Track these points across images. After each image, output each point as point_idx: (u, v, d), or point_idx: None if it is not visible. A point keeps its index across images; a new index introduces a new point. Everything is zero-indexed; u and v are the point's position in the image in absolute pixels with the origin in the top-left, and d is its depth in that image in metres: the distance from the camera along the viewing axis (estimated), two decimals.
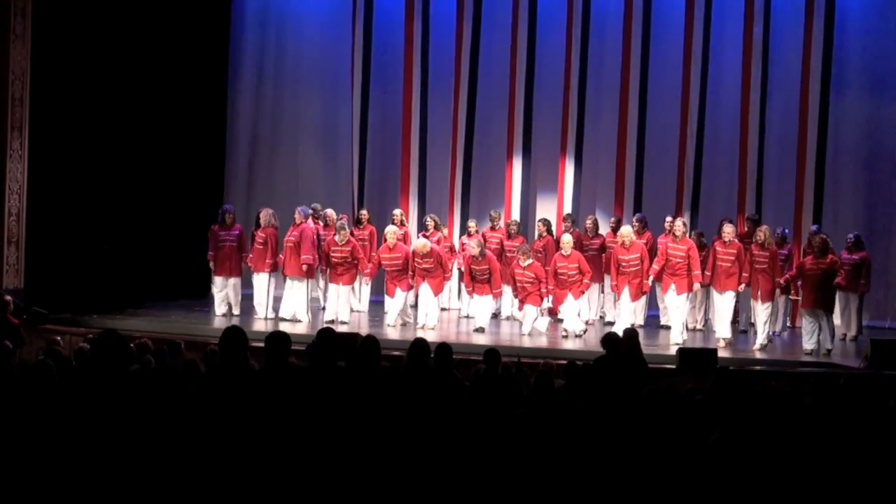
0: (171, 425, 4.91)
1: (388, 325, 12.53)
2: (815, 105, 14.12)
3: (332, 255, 12.58)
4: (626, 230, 12.51)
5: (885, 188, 14.56)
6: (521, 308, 12.28)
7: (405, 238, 13.24)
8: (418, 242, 12.58)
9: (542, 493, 4.68)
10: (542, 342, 11.85)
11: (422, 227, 14.14)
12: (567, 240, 12.37)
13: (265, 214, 12.77)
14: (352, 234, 13.13)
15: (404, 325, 12.66)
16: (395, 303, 12.58)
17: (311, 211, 13.13)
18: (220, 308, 12.96)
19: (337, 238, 12.57)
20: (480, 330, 12.30)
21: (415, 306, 13.06)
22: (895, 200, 14.55)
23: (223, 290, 12.98)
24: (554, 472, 4.74)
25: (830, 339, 11.41)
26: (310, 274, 12.74)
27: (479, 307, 12.53)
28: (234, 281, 13.00)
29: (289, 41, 15.84)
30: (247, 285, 13.41)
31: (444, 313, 13.67)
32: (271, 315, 12.74)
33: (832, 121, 14.24)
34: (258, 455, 4.74)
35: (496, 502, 4.67)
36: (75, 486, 4.60)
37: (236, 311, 13.00)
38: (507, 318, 13.61)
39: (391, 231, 12.66)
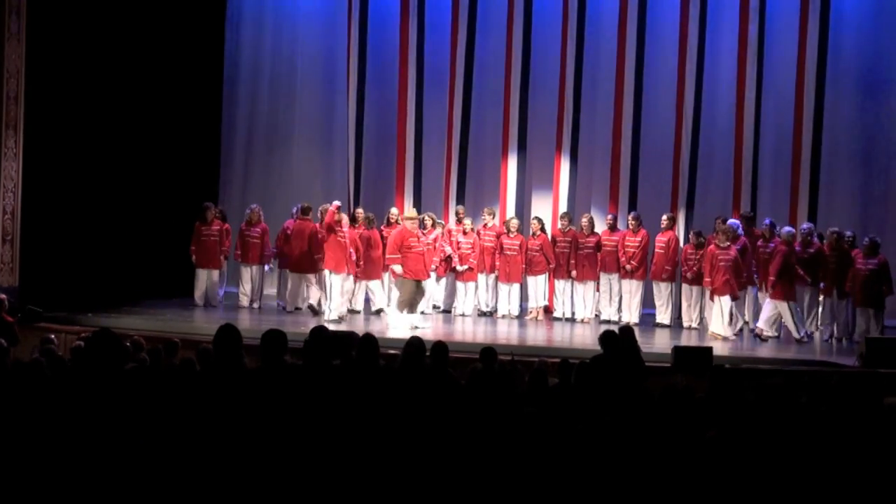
0: (166, 424, 4.90)
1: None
2: (809, 103, 14.15)
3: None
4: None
5: (879, 186, 14.56)
6: (711, 298, 12.36)
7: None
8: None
9: (542, 489, 4.69)
10: (539, 340, 11.86)
11: (420, 224, 14.12)
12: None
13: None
14: None
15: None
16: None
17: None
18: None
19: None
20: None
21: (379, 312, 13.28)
22: (889, 198, 14.56)
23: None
24: (554, 468, 4.75)
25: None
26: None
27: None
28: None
29: (284, 40, 15.77)
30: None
31: (440, 312, 13.77)
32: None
33: (827, 119, 14.26)
34: (254, 453, 4.73)
35: (496, 500, 4.68)
36: (70, 485, 4.60)
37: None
38: (504, 317, 13.62)
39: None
